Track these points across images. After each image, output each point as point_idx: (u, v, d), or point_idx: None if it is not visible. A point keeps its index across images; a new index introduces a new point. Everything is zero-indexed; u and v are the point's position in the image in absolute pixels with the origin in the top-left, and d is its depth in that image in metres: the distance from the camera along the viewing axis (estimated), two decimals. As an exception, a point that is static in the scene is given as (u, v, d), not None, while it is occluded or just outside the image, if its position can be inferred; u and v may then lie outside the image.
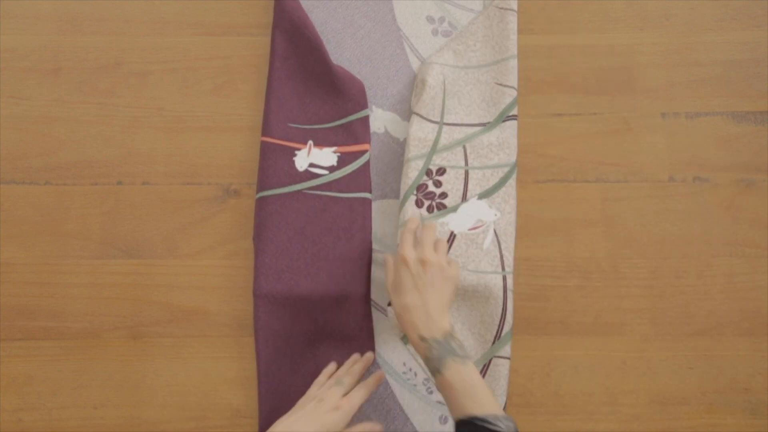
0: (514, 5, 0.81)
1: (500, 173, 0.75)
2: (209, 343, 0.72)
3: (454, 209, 0.74)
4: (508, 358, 0.70)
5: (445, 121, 0.76)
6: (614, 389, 0.71)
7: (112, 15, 0.85)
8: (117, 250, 0.76)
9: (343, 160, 0.75)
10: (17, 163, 0.79)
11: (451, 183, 0.74)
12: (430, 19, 0.82)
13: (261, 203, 0.74)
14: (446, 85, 0.77)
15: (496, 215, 0.74)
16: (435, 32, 0.82)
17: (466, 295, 0.71)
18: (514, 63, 0.79)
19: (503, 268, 0.72)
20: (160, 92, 0.82)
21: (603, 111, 0.81)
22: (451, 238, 0.73)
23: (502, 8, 0.80)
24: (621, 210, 0.77)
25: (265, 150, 0.76)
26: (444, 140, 0.76)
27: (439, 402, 0.70)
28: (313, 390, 0.67)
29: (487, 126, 0.77)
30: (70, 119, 0.81)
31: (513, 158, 0.76)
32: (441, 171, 0.75)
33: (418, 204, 0.73)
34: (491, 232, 0.73)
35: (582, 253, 0.75)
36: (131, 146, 0.80)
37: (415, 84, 0.79)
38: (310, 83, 0.78)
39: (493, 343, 0.70)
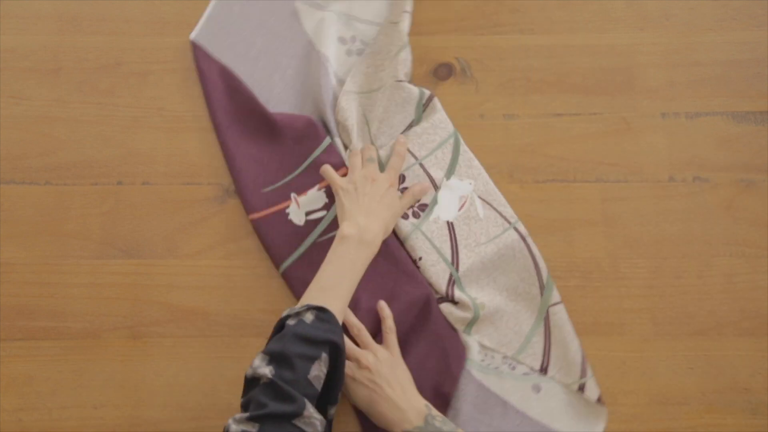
0: (409, 6, 0.81)
1: (449, 147, 0.77)
2: (209, 343, 0.72)
3: (435, 201, 0.75)
4: (560, 302, 0.72)
5: (379, 145, 0.77)
6: (614, 389, 0.71)
7: (112, 15, 0.85)
8: (117, 250, 0.76)
9: (332, 192, 0.75)
10: (17, 163, 0.79)
11: (415, 182, 0.75)
12: (342, 40, 0.82)
13: (287, 275, 0.73)
14: (366, 115, 0.78)
15: (471, 183, 0.76)
16: (349, 52, 0.82)
17: (495, 266, 0.73)
18: (405, 54, 0.79)
19: (509, 222, 0.74)
20: (160, 92, 0.82)
21: (603, 111, 0.81)
22: (450, 227, 0.74)
23: (394, 22, 0.81)
24: (621, 210, 0.77)
25: (259, 227, 0.74)
26: (386, 155, 0.76)
27: (525, 374, 0.70)
28: (356, 175, 0.71)
29: (413, 122, 0.78)
30: (70, 119, 0.81)
31: (450, 127, 0.78)
32: (401, 179, 0.76)
33: (403, 217, 0.74)
34: (477, 200, 0.75)
35: (582, 253, 0.75)
36: (131, 146, 0.80)
37: (339, 128, 0.78)
38: (260, 142, 0.77)
39: (542, 294, 0.72)
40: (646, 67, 0.83)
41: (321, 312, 0.58)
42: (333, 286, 0.63)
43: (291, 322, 0.58)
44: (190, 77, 0.82)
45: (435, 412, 0.62)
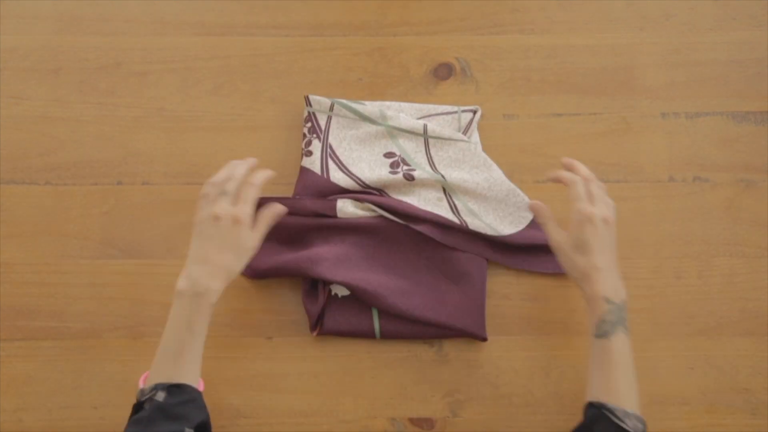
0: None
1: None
2: (209, 343, 0.72)
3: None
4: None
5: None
6: (614, 389, 0.71)
7: (112, 15, 0.85)
8: (117, 250, 0.76)
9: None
10: (17, 163, 0.79)
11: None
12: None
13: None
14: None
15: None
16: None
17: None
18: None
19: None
20: (160, 92, 0.82)
21: (603, 111, 0.81)
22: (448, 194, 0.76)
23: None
24: (621, 210, 0.77)
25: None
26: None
27: None
28: (202, 204, 0.65)
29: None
30: (70, 119, 0.81)
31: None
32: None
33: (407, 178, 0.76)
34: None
35: (582, 253, 0.75)
36: (131, 146, 0.80)
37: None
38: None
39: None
40: (646, 67, 0.83)
41: (174, 388, 0.59)
42: (178, 351, 0.62)
43: (147, 406, 0.58)
44: (190, 77, 0.83)
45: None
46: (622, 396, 0.59)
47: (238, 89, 0.82)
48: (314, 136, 0.78)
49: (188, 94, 0.82)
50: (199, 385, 0.63)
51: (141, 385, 0.62)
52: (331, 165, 0.77)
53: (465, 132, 0.78)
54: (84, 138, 0.80)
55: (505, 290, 0.75)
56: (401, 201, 0.75)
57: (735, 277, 0.75)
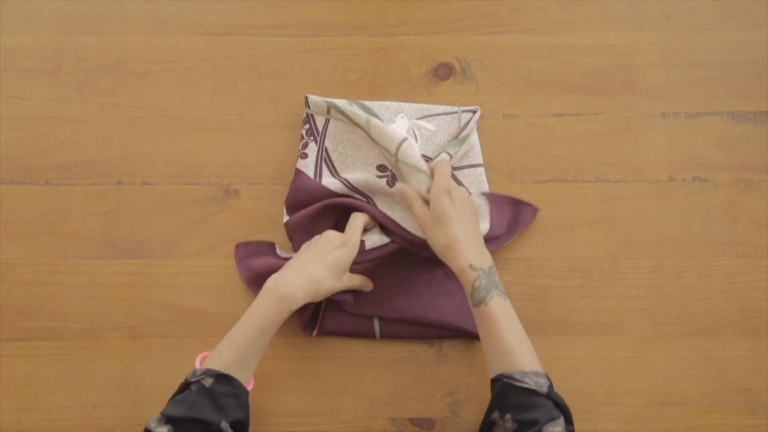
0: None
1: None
2: (209, 343, 0.72)
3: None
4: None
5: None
6: (614, 389, 0.71)
7: (112, 15, 0.85)
8: (117, 250, 0.76)
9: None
10: (17, 163, 0.79)
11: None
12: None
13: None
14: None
15: (401, 116, 0.79)
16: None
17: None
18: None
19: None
20: (160, 92, 0.82)
21: (603, 111, 0.81)
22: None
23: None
24: (621, 210, 0.77)
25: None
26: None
27: None
28: (312, 240, 0.70)
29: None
30: (70, 119, 0.81)
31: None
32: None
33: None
34: (417, 121, 0.79)
35: (582, 253, 0.75)
36: (131, 146, 0.80)
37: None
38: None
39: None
40: (646, 67, 0.83)
41: (222, 377, 0.60)
42: (240, 338, 0.63)
43: (193, 387, 0.59)
44: (190, 77, 0.83)
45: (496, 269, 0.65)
46: (517, 356, 0.59)
47: (238, 89, 0.82)
48: (311, 138, 0.78)
49: (188, 94, 0.82)
50: (249, 384, 0.63)
51: (197, 365, 0.63)
52: (324, 169, 0.77)
53: (462, 129, 0.77)
54: (84, 138, 0.80)
55: (505, 290, 0.74)
56: (386, 215, 0.73)
57: (735, 277, 0.75)
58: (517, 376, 0.58)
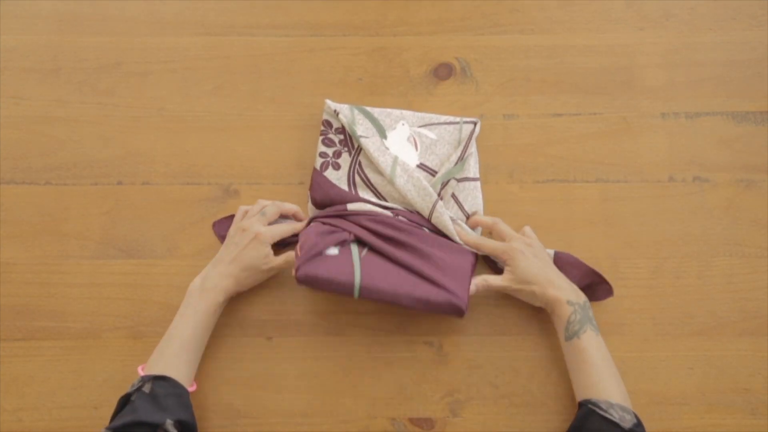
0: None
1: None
2: (209, 343, 0.72)
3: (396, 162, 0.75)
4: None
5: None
6: (614, 389, 0.71)
7: (112, 15, 0.85)
8: (117, 250, 0.76)
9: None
10: (17, 163, 0.79)
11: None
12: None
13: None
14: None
15: (402, 123, 0.78)
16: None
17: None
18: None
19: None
20: (160, 92, 0.82)
21: (603, 111, 0.81)
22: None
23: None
24: (621, 210, 0.77)
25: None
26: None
27: None
28: (239, 217, 0.73)
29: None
30: (70, 119, 0.81)
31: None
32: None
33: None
34: (419, 129, 0.78)
35: (582, 253, 0.75)
36: (131, 146, 0.80)
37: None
38: None
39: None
40: (646, 67, 0.83)
41: (159, 380, 0.62)
42: (176, 336, 0.65)
43: (134, 397, 0.60)
44: (190, 77, 0.83)
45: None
46: (604, 390, 0.61)
47: (238, 89, 0.82)
48: (345, 149, 0.77)
49: (188, 94, 0.82)
50: (191, 386, 0.64)
51: (140, 372, 0.64)
52: (358, 180, 0.76)
53: (466, 146, 0.76)
54: (84, 138, 0.80)
55: (505, 290, 0.75)
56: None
57: (735, 277, 0.75)
58: (603, 406, 0.60)
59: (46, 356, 0.72)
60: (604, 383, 0.62)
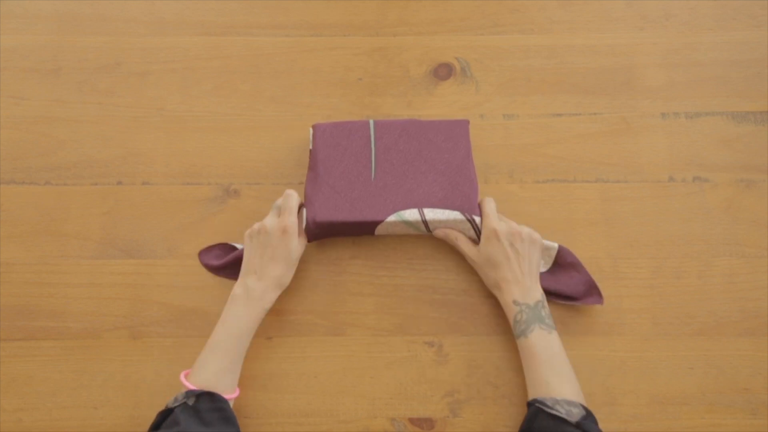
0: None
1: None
2: (209, 343, 0.72)
3: None
4: None
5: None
6: (614, 389, 0.71)
7: (112, 15, 0.85)
8: (117, 250, 0.76)
9: None
10: (17, 163, 0.79)
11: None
12: None
13: None
14: None
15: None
16: None
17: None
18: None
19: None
20: (160, 92, 0.82)
21: (603, 111, 0.81)
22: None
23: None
24: (621, 210, 0.77)
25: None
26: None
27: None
28: (255, 226, 0.70)
29: None
30: (70, 119, 0.81)
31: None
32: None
33: None
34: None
35: (582, 253, 0.75)
36: (131, 146, 0.80)
37: None
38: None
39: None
40: (646, 67, 0.83)
41: (203, 395, 0.61)
42: (222, 346, 0.65)
43: (177, 410, 0.60)
44: (190, 77, 0.83)
45: (546, 305, 0.68)
46: (552, 387, 0.62)
47: (238, 89, 0.82)
48: None
49: (188, 94, 0.82)
50: (234, 392, 0.65)
51: (182, 380, 0.63)
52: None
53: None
54: (84, 138, 0.80)
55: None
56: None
57: (735, 277, 0.75)
58: (549, 403, 0.60)
59: (46, 356, 0.72)
60: (553, 381, 0.62)
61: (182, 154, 0.80)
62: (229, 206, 0.77)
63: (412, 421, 0.70)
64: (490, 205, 0.72)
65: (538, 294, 0.68)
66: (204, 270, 0.75)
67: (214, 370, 0.63)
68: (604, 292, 0.74)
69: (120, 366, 0.72)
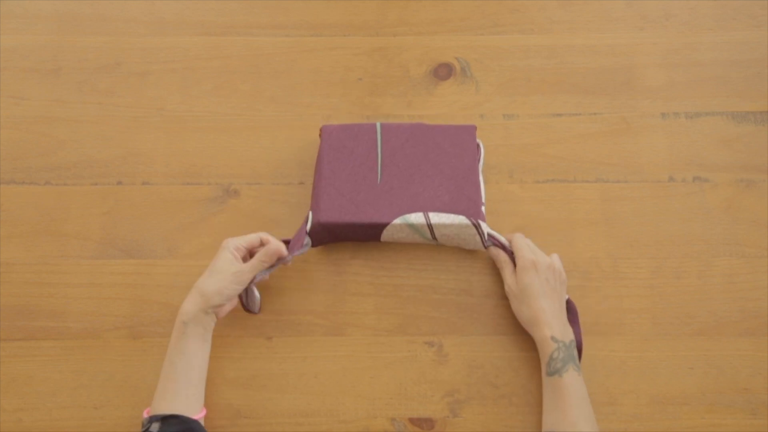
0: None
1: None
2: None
3: None
4: None
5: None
6: (614, 389, 0.71)
7: (112, 15, 0.85)
8: (117, 250, 0.76)
9: None
10: (17, 163, 0.79)
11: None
12: None
13: None
14: None
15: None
16: None
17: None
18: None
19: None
20: (160, 92, 0.82)
21: (603, 111, 0.81)
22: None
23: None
24: (621, 210, 0.77)
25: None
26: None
27: None
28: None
29: None
30: (70, 119, 0.81)
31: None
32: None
33: None
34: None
35: (582, 253, 0.75)
36: (131, 146, 0.80)
37: None
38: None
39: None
40: (646, 67, 0.83)
41: (169, 418, 0.61)
42: (172, 377, 0.64)
43: None
44: (190, 77, 0.83)
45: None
46: (580, 430, 0.62)
47: (238, 89, 0.82)
48: None
49: (188, 94, 0.82)
50: (201, 411, 0.64)
51: (145, 417, 0.63)
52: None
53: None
54: (84, 138, 0.80)
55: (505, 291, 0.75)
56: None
57: (735, 277, 0.75)
58: None
59: (46, 356, 0.72)
60: (580, 424, 0.62)
61: (182, 154, 0.80)
62: (229, 206, 0.78)
63: (412, 421, 0.70)
64: (522, 239, 0.72)
65: (571, 333, 0.68)
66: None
67: (172, 400, 0.63)
68: (604, 292, 0.74)
69: (120, 366, 0.72)
